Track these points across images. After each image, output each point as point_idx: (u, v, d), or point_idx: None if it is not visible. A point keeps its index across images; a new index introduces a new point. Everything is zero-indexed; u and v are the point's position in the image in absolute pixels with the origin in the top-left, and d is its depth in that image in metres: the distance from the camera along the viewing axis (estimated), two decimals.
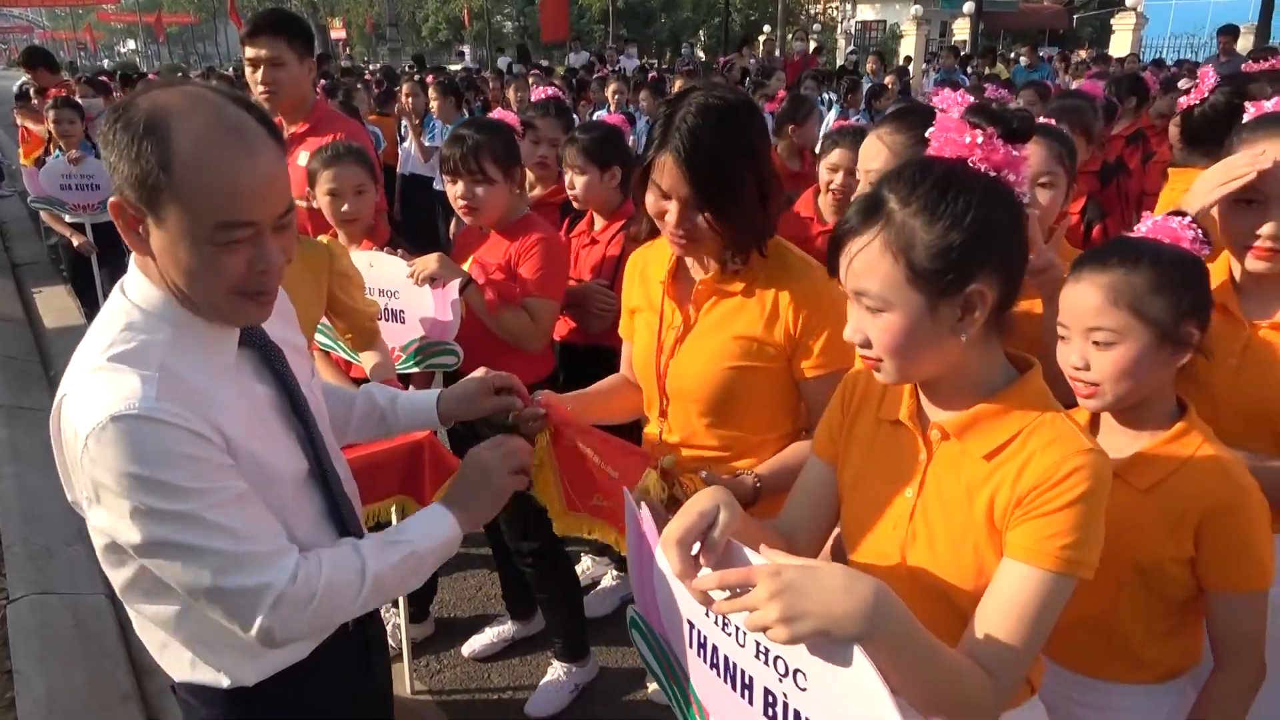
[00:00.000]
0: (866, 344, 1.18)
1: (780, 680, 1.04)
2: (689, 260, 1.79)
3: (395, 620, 3.00)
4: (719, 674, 1.15)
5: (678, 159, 1.60)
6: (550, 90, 4.18)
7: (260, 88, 3.01)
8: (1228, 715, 1.43)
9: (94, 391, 1.20)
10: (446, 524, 1.47)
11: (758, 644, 1.06)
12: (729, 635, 1.11)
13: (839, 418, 1.38)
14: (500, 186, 2.63)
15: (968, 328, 1.15)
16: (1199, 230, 1.42)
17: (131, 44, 69.86)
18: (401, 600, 2.87)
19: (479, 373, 1.76)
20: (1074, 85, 8.04)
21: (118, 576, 1.39)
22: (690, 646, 1.20)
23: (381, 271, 2.62)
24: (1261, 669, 1.43)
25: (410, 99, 6.14)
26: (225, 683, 1.43)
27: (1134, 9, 25.80)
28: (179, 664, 1.45)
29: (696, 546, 1.07)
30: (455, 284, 2.54)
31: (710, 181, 1.60)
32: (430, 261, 2.58)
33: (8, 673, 2.91)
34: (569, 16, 22.05)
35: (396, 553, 1.40)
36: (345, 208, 2.65)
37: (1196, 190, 1.61)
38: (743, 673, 1.10)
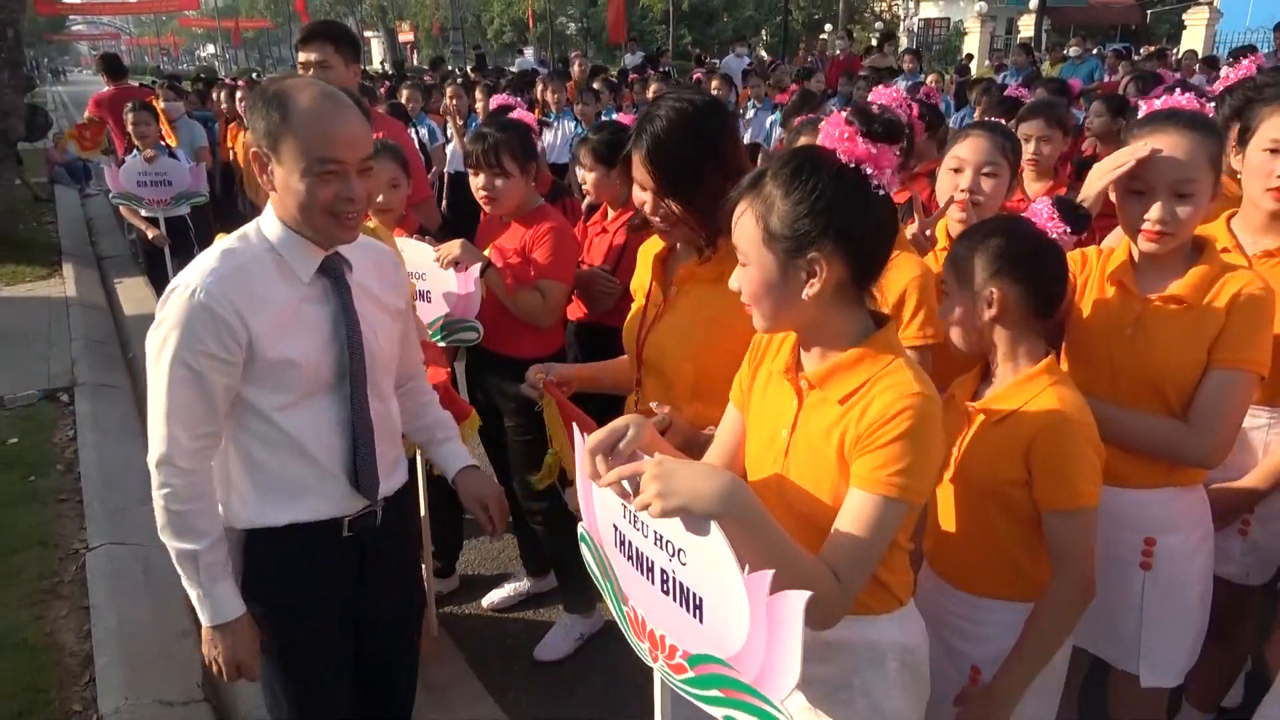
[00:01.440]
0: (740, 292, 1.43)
1: (670, 559, 1.30)
2: (680, 247, 2.02)
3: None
4: (633, 564, 1.41)
5: (643, 155, 1.85)
6: (503, 99, 4.37)
7: None
8: (1051, 627, 1.63)
9: (193, 264, 1.71)
10: (221, 619, 1.78)
11: (656, 533, 1.32)
12: (638, 530, 1.37)
13: (747, 371, 1.62)
14: (517, 180, 2.92)
15: (810, 289, 1.37)
16: (1053, 208, 1.68)
17: (211, 48, 72.32)
18: (428, 556, 3.18)
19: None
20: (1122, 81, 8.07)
21: None
22: (614, 546, 1.47)
23: (410, 256, 2.92)
24: (1086, 586, 1.63)
25: (454, 100, 6.48)
26: (233, 523, 1.82)
27: (1207, 3, 25.04)
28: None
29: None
30: (476, 267, 2.84)
31: (672, 172, 1.84)
32: (454, 247, 2.88)
33: (85, 608, 3.32)
34: (626, 19, 22.42)
35: (203, 574, 1.76)
36: (380, 199, 2.97)
37: (1090, 179, 1.82)
38: (647, 558, 1.37)
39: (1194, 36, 23.86)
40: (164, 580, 3.50)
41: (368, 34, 56.83)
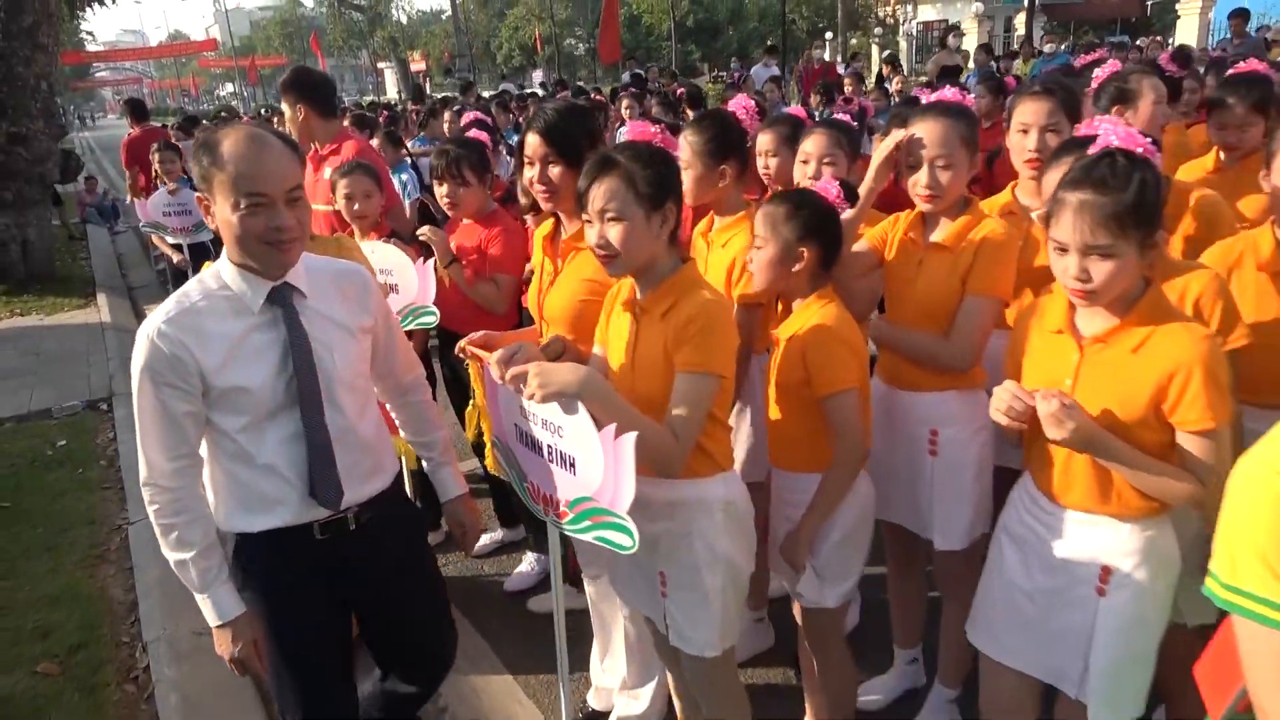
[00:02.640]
0: (605, 245, 1.96)
1: (552, 435, 1.86)
2: (561, 227, 2.59)
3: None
4: (529, 448, 1.97)
5: (540, 129, 2.41)
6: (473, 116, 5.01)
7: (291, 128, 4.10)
8: (836, 482, 2.17)
9: (157, 309, 1.91)
10: (217, 621, 1.97)
11: (543, 419, 1.88)
12: (531, 421, 1.93)
13: (603, 316, 2.18)
14: (475, 188, 3.50)
15: (665, 232, 1.94)
16: (839, 188, 2.26)
17: (230, 87, 74.10)
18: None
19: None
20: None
21: None
22: (515, 440, 2.03)
23: (379, 256, 3.49)
24: (858, 449, 2.15)
25: (449, 125, 7.12)
26: (222, 527, 2.01)
27: None
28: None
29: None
30: (433, 261, 3.41)
31: (559, 143, 2.38)
32: (429, 231, 3.46)
33: (129, 569, 3.92)
34: (621, 38, 23.14)
35: (198, 580, 1.95)
36: (356, 207, 3.57)
37: (872, 159, 2.37)
38: (536, 440, 1.93)
39: (1188, 26, 23.99)
40: None
41: (381, 65, 58.25)
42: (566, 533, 1.97)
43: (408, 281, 3.44)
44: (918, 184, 2.30)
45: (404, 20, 58.65)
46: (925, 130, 2.26)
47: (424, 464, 2.41)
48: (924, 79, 12.68)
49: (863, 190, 2.40)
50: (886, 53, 11.25)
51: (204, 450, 1.99)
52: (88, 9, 17.40)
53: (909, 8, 37.18)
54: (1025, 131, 2.51)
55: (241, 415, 1.90)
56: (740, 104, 3.06)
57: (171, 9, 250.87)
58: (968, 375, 2.33)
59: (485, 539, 3.99)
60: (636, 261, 1.97)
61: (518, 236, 3.56)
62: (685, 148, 2.75)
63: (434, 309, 3.40)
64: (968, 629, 2.12)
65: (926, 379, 2.35)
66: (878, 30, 35.77)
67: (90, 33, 51.14)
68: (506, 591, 3.66)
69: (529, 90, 17.54)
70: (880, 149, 2.34)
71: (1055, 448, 1.84)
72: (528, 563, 3.71)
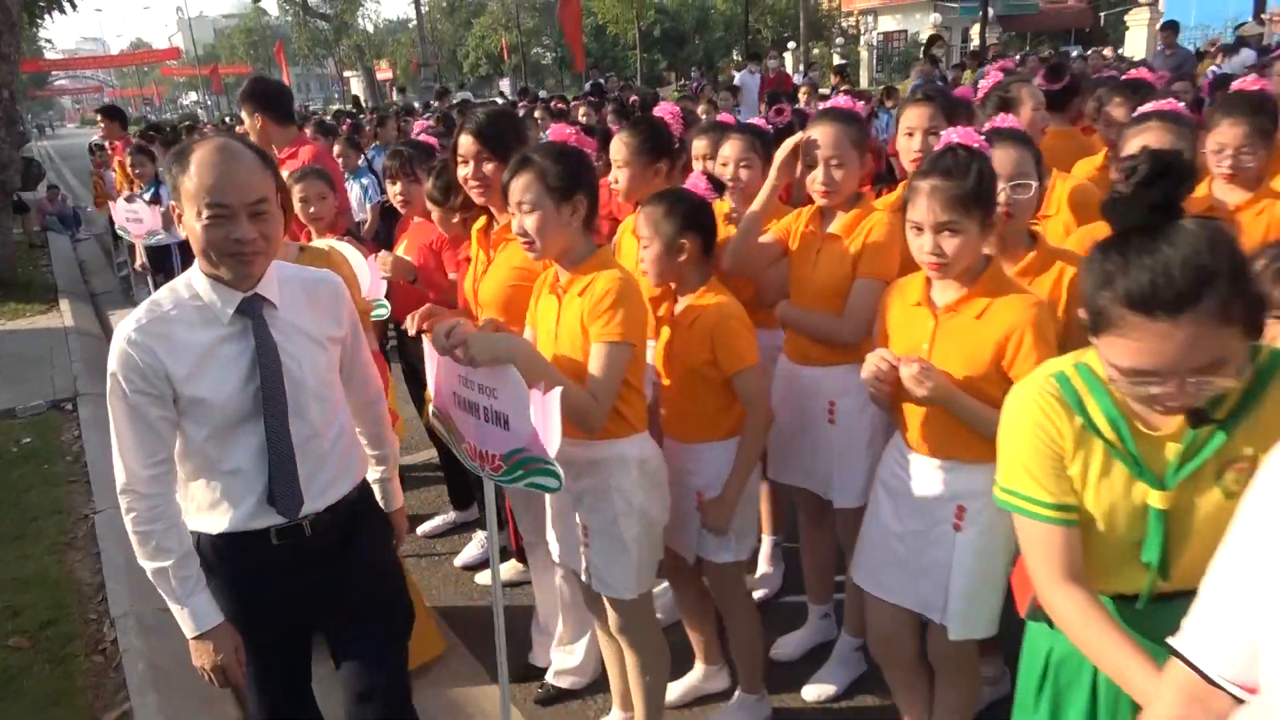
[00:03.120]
0: (524, 233, 2.22)
1: (487, 398, 2.09)
2: (496, 218, 2.84)
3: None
4: (467, 411, 2.20)
5: (473, 129, 2.68)
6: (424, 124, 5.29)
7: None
8: (752, 446, 2.45)
9: (129, 316, 1.92)
10: (192, 632, 1.96)
11: (479, 384, 2.11)
12: (469, 387, 2.16)
13: (533, 296, 2.44)
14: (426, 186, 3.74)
15: (576, 220, 2.20)
16: (707, 181, 2.57)
17: (194, 95, 73.45)
18: None
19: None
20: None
21: None
22: (455, 407, 2.27)
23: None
24: (767, 416, 2.45)
25: (399, 136, 7.39)
26: (190, 525, 2.01)
27: (1149, 4, 25.90)
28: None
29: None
30: (383, 255, 3.62)
31: (491, 140, 2.65)
32: (390, 265, 3.67)
33: (96, 554, 4.10)
34: (586, 46, 23.60)
35: (178, 588, 1.93)
36: (312, 210, 3.79)
37: (774, 160, 2.64)
38: (473, 404, 2.16)
39: (1137, 37, 24.64)
40: None
41: (347, 73, 58.05)
42: (500, 483, 2.21)
43: (365, 280, 3.66)
44: (815, 181, 2.58)
45: (370, 29, 58.54)
46: (820, 133, 2.55)
47: (372, 473, 2.36)
48: (882, 87, 13.09)
49: (765, 187, 2.68)
50: (837, 63, 11.58)
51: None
52: (47, 16, 17.38)
53: (869, 19, 37.91)
54: (911, 135, 2.80)
55: (203, 425, 1.92)
56: (667, 110, 3.33)
57: (133, 17, 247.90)
58: (860, 351, 2.60)
59: (438, 520, 4.23)
60: (552, 247, 2.24)
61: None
62: (621, 148, 3.03)
63: (386, 302, 3.62)
64: (851, 570, 2.39)
65: (825, 355, 2.63)
66: (839, 40, 36.46)
67: (49, 40, 50.59)
68: (458, 566, 3.89)
69: (491, 99, 17.81)
70: (780, 151, 2.62)
71: (917, 406, 2.13)
72: (478, 541, 3.95)
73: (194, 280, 1.94)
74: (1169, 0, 27.95)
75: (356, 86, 54.30)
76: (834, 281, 2.58)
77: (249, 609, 2.06)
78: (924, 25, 32.68)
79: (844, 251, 2.56)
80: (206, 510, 2.00)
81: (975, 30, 31.75)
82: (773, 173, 2.64)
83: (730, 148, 3.07)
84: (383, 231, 5.94)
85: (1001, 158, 2.26)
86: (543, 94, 18.90)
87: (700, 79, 19.96)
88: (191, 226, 1.85)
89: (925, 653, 2.36)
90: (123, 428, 1.89)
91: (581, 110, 7.89)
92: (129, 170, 7.05)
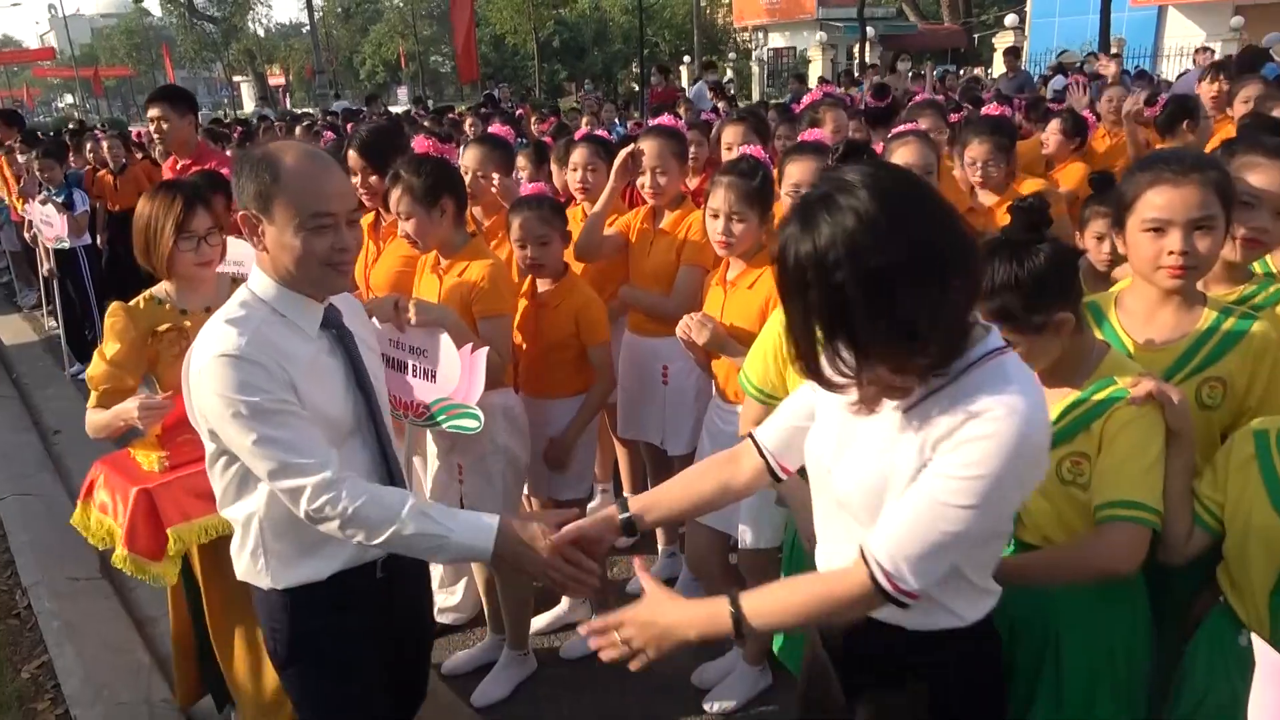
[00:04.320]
0: (407, 236, 2.70)
1: (416, 358, 2.49)
2: (383, 216, 3.30)
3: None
4: (399, 370, 2.57)
5: (357, 147, 3.18)
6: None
7: (155, 135, 4.60)
8: (595, 401, 2.99)
9: (207, 341, 1.71)
10: (486, 541, 1.70)
11: (410, 346, 2.52)
12: (400, 350, 2.55)
13: (416, 277, 2.93)
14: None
15: (445, 220, 2.70)
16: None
17: (70, 98, 70.14)
18: None
19: (537, 517, 1.90)
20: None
21: (218, 486, 1.85)
22: (396, 368, 2.68)
23: (235, 249, 4.08)
24: (611, 379, 3.00)
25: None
26: (265, 584, 1.84)
27: (1011, 28, 27.74)
28: (240, 562, 1.88)
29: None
30: None
31: (375, 156, 3.15)
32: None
33: (3, 535, 4.34)
34: (483, 56, 23.80)
35: (429, 528, 1.68)
36: None
37: (613, 166, 3.20)
38: (402, 363, 2.56)
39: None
40: (64, 512, 4.53)
41: (237, 78, 56.59)
42: (422, 426, 2.63)
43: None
44: (644, 185, 3.15)
45: (261, 33, 57.16)
46: (646, 146, 3.12)
47: None
48: (776, 101, 13.89)
49: (606, 189, 3.22)
50: (713, 78, 12.29)
51: (258, 497, 1.81)
52: None
53: (760, 35, 39.28)
54: (730, 149, 3.40)
55: None
56: (496, 129, 3.91)
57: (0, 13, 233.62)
58: None
59: None
60: (431, 243, 2.75)
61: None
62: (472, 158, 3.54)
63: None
64: None
65: (658, 328, 3.19)
66: (732, 55, 37.72)
67: None
68: None
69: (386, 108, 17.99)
70: (617, 159, 3.17)
71: (726, 364, 2.69)
72: None
73: (262, 293, 1.79)
74: (1033, 25, 29.99)
75: (247, 92, 53.00)
76: (664, 268, 3.15)
77: (352, 659, 1.91)
78: (810, 43, 34.10)
79: (671, 243, 3.14)
80: (310, 551, 1.82)
81: (858, 49, 33.45)
82: (612, 177, 3.19)
83: (578, 155, 3.61)
84: None
85: (800, 167, 2.86)
86: (430, 104, 19.11)
87: (593, 92, 20.62)
88: (285, 239, 1.70)
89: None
90: (291, 431, 1.68)
91: (469, 122, 8.30)
92: (6, 172, 6.93)
